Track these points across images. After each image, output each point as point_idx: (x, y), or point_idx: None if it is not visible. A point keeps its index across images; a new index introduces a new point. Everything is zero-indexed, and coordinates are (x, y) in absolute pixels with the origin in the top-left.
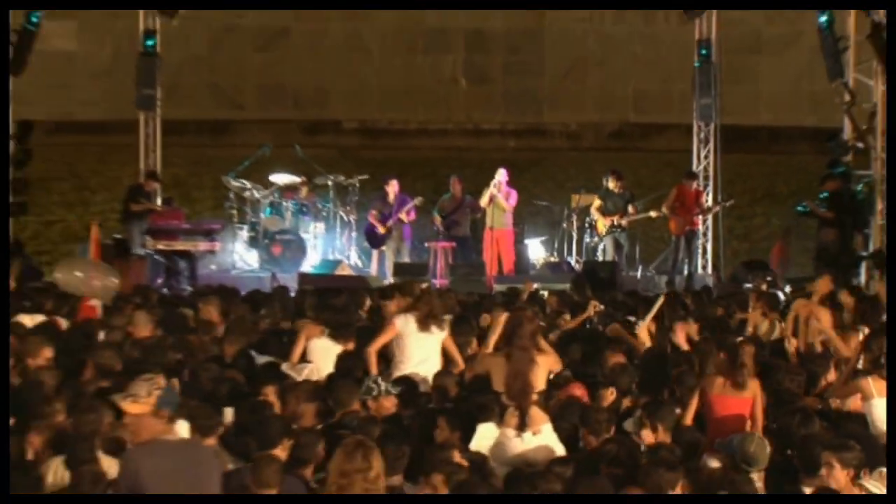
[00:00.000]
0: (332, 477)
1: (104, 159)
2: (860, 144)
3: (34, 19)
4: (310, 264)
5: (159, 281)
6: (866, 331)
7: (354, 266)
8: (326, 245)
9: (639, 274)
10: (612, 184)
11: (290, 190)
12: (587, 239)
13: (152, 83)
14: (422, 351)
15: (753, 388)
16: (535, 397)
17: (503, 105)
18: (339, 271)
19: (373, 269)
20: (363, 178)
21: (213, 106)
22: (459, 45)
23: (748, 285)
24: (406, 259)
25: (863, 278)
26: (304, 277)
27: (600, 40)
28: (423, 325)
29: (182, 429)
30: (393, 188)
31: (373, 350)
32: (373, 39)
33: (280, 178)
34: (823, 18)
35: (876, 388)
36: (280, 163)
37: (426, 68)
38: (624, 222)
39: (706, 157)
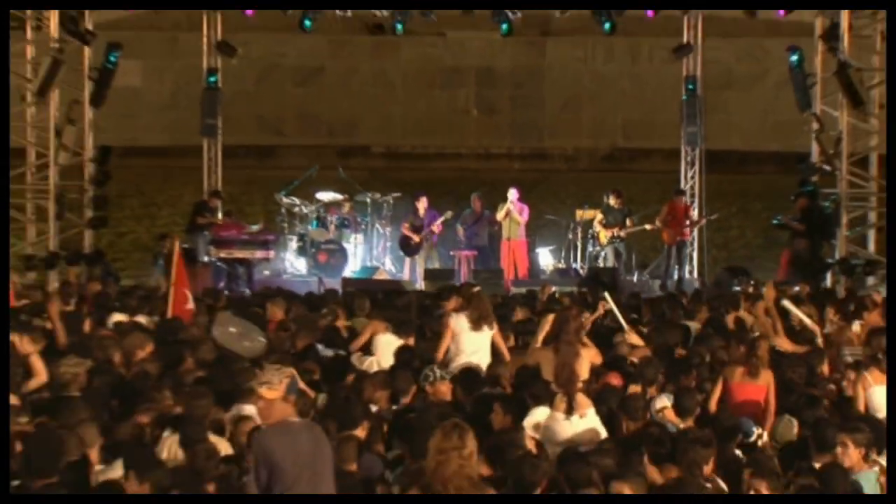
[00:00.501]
0: (431, 454)
1: (167, 180)
2: (827, 167)
3: (113, 59)
4: (351, 270)
5: (221, 284)
6: (857, 327)
7: (390, 271)
8: (365, 253)
9: (635, 278)
10: (612, 200)
11: (333, 206)
12: (590, 248)
13: (214, 114)
14: (473, 345)
15: (767, 377)
16: (580, 385)
17: (509, 133)
18: (378, 276)
19: (405, 275)
20: (396, 195)
21: (260, 133)
22: (471, 81)
23: (737, 288)
24: (436, 265)
25: (829, 282)
26: (346, 281)
27: (593, 78)
28: (476, 323)
29: None
30: (423, 204)
31: (440, 353)
32: (397, 76)
33: (324, 196)
34: (794, 58)
35: (873, 378)
36: (322, 182)
37: (443, 101)
38: (622, 234)
39: (692, 177)
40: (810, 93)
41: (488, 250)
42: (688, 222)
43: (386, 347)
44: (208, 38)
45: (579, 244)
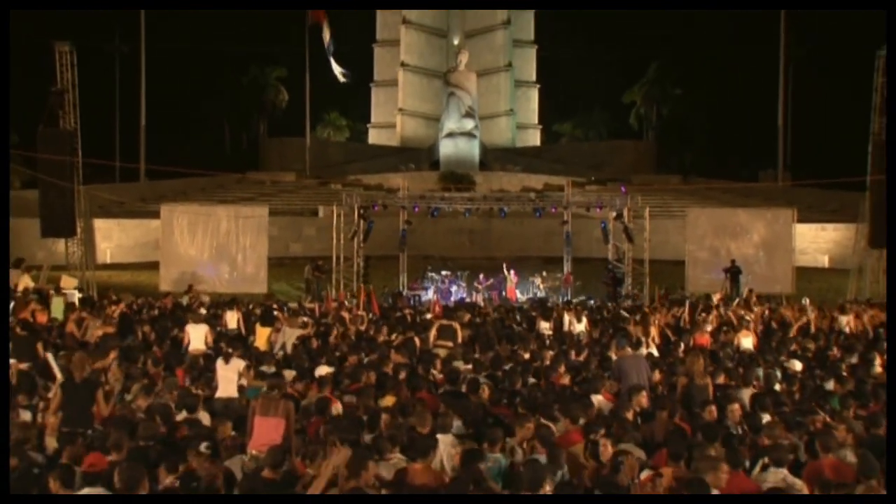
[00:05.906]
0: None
1: (377, 268)
2: (618, 263)
3: (370, 225)
4: (453, 300)
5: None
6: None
7: (469, 300)
8: (458, 293)
9: (550, 301)
10: (545, 273)
11: (446, 276)
12: (536, 290)
13: (404, 242)
14: (578, 323)
15: (706, 337)
16: (652, 336)
17: (480, 249)
18: (466, 300)
19: (476, 300)
20: (467, 272)
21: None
22: (467, 233)
23: (592, 302)
24: (485, 296)
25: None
26: (455, 303)
27: (512, 231)
28: (577, 316)
29: None
30: (483, 275)
31: (568, 328)
32: (440, 231)
33: (443, 272)
34: (603, 226)
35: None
36: (441, 269)
37: (457, 240)
38: (550, 285)
39: (568, 267)
40: (609, 237)
41: (503, 291)
42: (570, 282)
43: (544, 325)
44: (402, 218)
45: (531, 289)
